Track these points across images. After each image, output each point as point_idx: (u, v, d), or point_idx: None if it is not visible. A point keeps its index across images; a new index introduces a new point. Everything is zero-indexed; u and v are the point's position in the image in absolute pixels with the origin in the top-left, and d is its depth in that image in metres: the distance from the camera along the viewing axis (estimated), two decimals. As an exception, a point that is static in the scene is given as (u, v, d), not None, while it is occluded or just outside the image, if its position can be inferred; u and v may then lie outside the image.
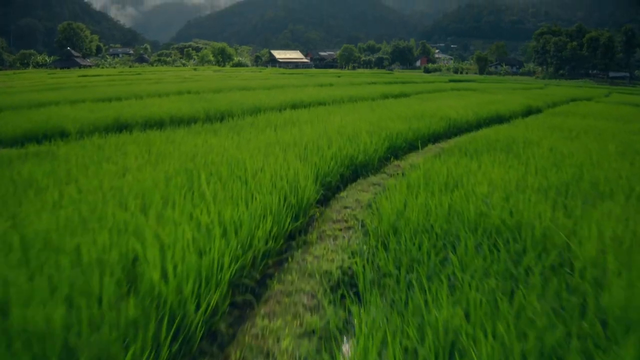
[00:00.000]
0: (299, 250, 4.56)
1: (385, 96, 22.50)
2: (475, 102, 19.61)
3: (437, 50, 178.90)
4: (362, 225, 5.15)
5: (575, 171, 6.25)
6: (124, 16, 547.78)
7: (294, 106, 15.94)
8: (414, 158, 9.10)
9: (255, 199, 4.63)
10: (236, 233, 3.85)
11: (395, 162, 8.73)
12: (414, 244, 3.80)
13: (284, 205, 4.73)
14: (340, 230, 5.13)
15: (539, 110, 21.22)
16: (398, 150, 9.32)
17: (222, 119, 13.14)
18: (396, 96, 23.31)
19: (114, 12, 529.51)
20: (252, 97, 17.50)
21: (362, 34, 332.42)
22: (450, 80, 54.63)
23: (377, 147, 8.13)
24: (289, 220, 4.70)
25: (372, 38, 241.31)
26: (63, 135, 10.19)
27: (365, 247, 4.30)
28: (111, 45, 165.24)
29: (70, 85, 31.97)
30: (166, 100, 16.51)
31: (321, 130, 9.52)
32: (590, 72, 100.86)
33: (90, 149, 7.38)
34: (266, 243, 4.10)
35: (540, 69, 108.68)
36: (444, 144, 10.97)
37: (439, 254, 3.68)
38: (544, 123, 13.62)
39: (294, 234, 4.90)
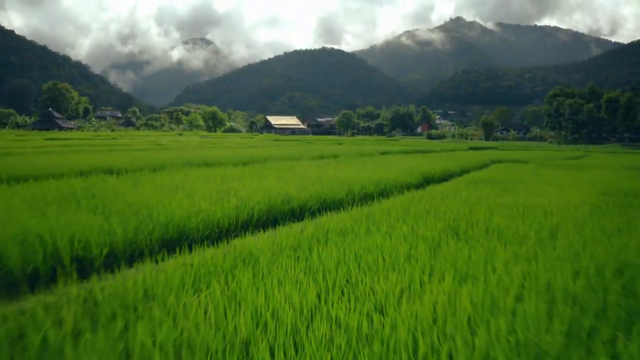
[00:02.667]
0: None
1: (428, 178, 14.02)
2: (596, 191, 11.04)
3: (437, 116, 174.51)
4: None
5: None
6: (123, 81, 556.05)
7: (268, 217, 7.25)
8: None
9: None
10: None
11: None
12: None
13: None
14: None
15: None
16: None
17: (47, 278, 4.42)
18: (442, 178, 14.88)
19: (113, 77, 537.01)
20: (192, 188, 8.93)
21: (359, 100, 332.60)
22: (470, 148, 46.95)
23: None
24: None
25: (370, 105, 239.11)
26: None
27: None
28: (102, 108, 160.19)
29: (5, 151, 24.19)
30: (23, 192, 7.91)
31: None
32: (603, 135, 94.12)
33: None
34: None
35: (552, 133, 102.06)
36: None
37: None
38: None
39: None
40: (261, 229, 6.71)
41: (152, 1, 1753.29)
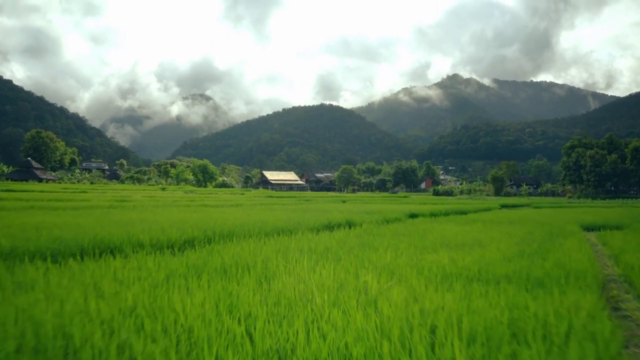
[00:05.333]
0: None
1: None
2: None
3: (441, 172, 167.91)
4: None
5: None
6: (122, 135, 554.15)
7: None
8: None
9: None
10: None
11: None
12: None
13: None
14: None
15: None
16: None
17: None
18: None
19: (112, 131, 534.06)
20: None
21: (358, 156, 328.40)
22: (503, 206, 39.16)
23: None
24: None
25: (369, 160, 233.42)
26: None
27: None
28: (92, 159, 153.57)
29: None
30: None
31: None
32: (620, 187, 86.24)
33: None
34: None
35: (570, 187, 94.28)
36: None
37: None
38: None
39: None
40: None
41: (153, 57, 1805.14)
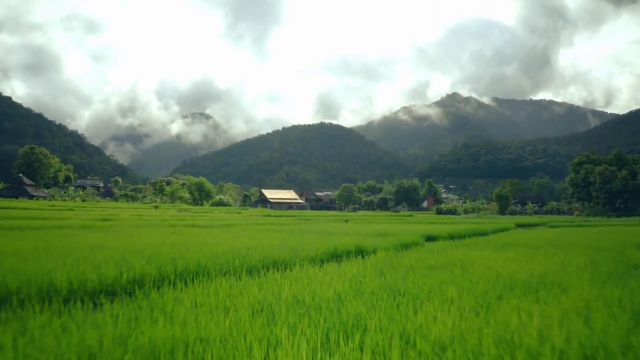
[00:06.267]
0: None
1: None
2: None
3: (443, 190, 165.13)
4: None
5: None
6: (122, 153, 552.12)
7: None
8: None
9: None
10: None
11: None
12: None
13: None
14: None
15: None
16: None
17: None
18: None
19: (112, 149, 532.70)
20: None
21: (358, 175, 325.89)
22: (518, 225, 36.36)
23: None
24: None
25: (369, 179, 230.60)
26: None
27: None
28: (89, 176, 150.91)
29: None
30: None
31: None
32: (628, 204, 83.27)
33: None
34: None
35: (578, 204, 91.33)
36: None
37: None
38: None
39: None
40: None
41: (154, 75, 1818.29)
